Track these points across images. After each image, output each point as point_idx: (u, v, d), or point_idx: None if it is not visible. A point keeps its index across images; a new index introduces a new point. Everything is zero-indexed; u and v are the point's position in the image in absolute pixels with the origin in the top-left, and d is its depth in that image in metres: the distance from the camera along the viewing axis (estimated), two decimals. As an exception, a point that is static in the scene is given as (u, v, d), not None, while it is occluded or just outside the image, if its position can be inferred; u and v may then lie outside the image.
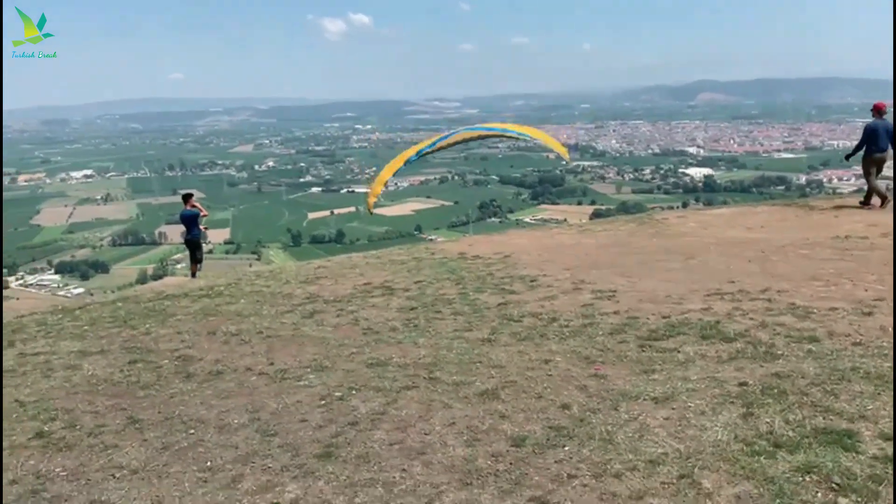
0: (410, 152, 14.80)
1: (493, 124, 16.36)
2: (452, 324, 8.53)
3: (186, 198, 17.76)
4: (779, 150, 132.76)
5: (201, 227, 17.66)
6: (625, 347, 7.14)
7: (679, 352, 6.87)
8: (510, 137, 16.57)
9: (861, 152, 15.75)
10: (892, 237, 11.48)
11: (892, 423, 4.90)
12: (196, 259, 17.73)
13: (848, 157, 16.68)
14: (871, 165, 15.60)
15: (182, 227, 18.16)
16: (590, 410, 5.63)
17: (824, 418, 5.11)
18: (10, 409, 6.54)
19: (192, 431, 5.80)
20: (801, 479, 4.31)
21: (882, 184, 15.92)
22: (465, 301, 9.64)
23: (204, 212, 17.80)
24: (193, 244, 17.64)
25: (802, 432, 4.90)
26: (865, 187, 15.98)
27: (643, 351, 7.00)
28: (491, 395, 6.09)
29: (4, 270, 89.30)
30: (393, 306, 9.70)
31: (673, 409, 5.53)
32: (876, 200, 15.49)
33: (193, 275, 17.54)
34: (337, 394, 6.39)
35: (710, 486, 4.32)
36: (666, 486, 4.39)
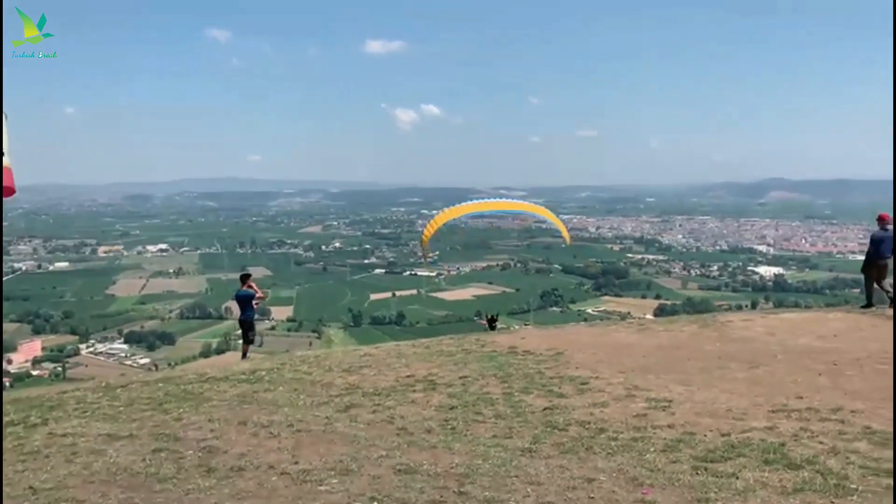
0: (461, 212, 16.52)
1: (515, 205, 17.73)
2: (492, 428, 8.01)
3: (244, 278, 17.86)
4: (853, 252, 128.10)
5: (254, 304, 17.66)
6: (677, 468, 6.49)
7: (738, 478, 6.18)
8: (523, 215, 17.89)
9: None
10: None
11: None
12: (248, 340, 17.68)
13: (863, 269, 17.74)
14: (874, 271, 17.13)
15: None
16: (632, 544, 5.02)
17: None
18: (23, 496, 6.30)
19: (199, 537, 5.42)
20: None
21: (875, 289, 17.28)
22: (508, 402, 9.12)
23: (259, 293, 17.84)
24: (247, 325, 17.63)
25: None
26: None
27: (697, 474, 6.34)
28: (523, 518, 5.53)
29: (76, 337, 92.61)
30: (433, 403, 9.25)
31: (728, 549, 4.88)
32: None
33: (244, 355, 17.46)
34: None
35: None
36: None
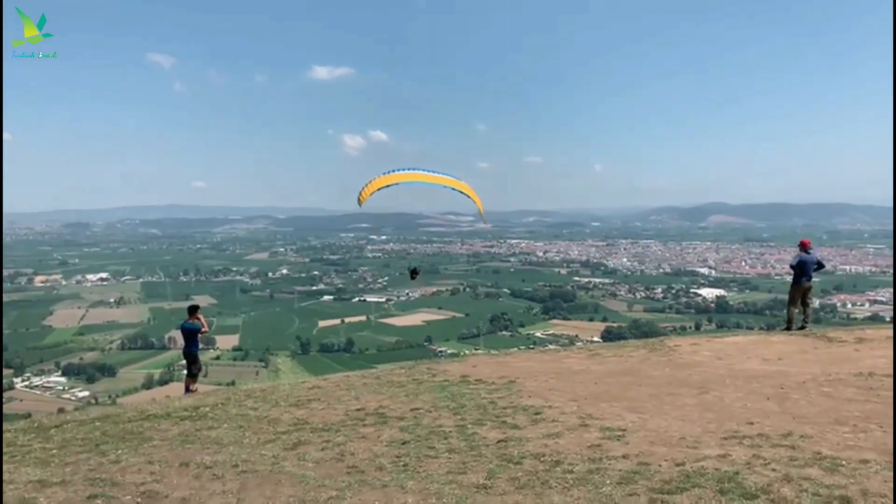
0: (384, 182, 17.06)
1: (437, 178, 17.92)
2: (446, 464, 7.81)
3: (192, 310, 17.35)
4: (791, 274, 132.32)
5: (199, 335, 17.16)
6: (634, 502, 6.39)
7: (694, 510, 6.12)
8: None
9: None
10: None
11: None
12: (192, 373, 17.14)
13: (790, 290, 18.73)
14: (798, 293, 18.18)
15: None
16: (592, 585, 4.89)
17: None
18: (-57, 553, 5.85)
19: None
20: None
21: (795, 311, 18.45)
22: (462, 436, 8.93)
23: (205, 327, 17.34)
24: (191, 357, 17.11)
25: None
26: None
27: (654, 507, 6.26)
28: (480, 560, 5.35)
29: (11, 371, 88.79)
30: (384, 438, 9.00)
31: (688, 587, 4.78)
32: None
33: (188, 389, 16.90)
34: (307, 549, 5.67)
35: None
36: None
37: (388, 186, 17.35)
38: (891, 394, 10.09)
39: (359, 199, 17.33)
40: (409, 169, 17.94)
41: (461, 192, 18.16)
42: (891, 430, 8.22)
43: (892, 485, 6.46)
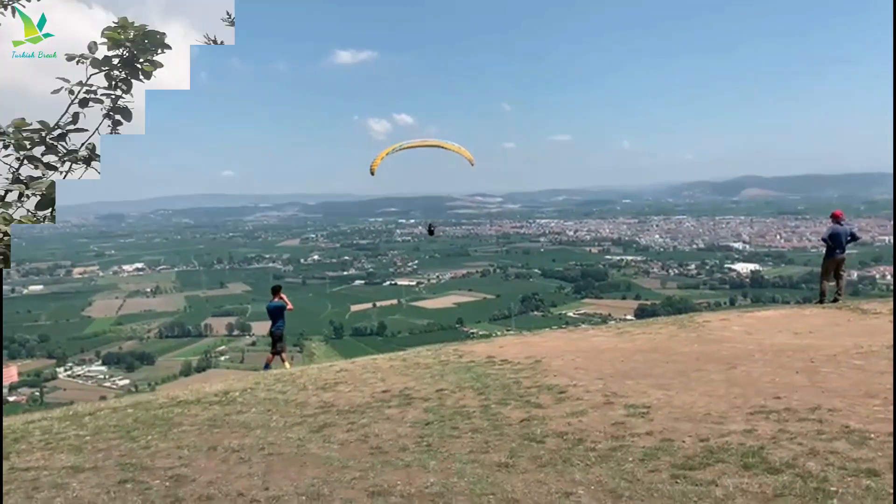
0: (385, 152, 18.06)
1: (430, 142, 19.04)
2: (469, 443, 7.85)
3: (275, 290, 18.11)
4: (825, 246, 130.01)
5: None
6: (656, 478, 6.37)
7: (717, 485, 6.08)
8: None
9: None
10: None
11: None
12: (277, 350, 17.80)
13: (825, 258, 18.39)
14: (831, 266, 17.85)
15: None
16: (610, 561, 4.88)
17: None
18: (-21, 537, 6.04)
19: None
20: None
21: (829, 284, 18.04)
22: (485, 415, 8.96)
23: (289, 305, 18.03)
24: (277, 336, 17.74)
25: None
26: None
27: (676, 483, 6.23)
28: (499, 538, 5.37)
29: (54, 361, 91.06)
30: (408, 419, 9.07)
31: (708, 562, 4.75)
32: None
33: (284, 361, 17.45)
34: (329, 529, 5.74)
35: None
36: None
37: (395, 151, 18.20)
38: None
39: (371, 169, 18.30)
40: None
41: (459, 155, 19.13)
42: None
43: (922, 457, 6.35)
